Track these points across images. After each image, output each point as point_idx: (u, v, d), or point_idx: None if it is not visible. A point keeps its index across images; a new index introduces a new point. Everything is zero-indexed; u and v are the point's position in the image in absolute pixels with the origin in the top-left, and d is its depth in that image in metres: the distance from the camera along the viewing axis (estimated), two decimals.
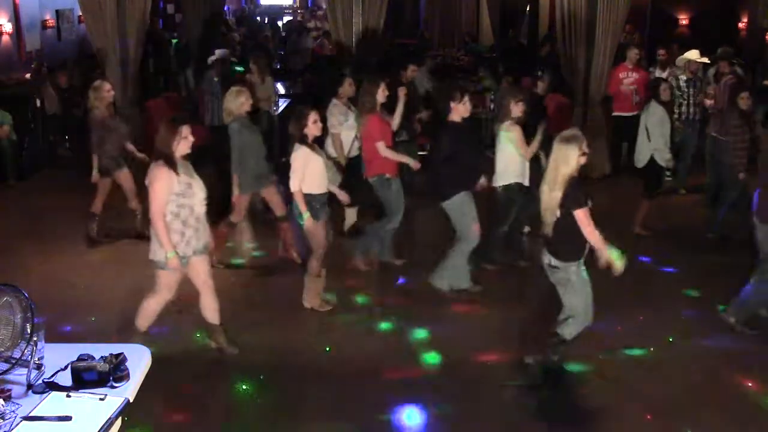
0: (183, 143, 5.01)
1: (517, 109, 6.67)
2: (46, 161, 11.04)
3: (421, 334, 5.98)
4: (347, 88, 7.70)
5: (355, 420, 4.85)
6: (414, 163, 7.09)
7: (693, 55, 9.44)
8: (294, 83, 14.04)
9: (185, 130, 5.02)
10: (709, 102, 9.24)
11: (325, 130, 6.86)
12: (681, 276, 7.08)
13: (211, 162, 10.14)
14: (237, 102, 6.83)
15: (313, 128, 5.94)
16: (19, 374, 3.32)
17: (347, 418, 4.86)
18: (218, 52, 10.23)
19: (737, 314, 5.89)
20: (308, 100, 11.11)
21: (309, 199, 5.97)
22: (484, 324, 6.14)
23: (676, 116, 9.14)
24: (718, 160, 8.70)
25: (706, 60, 9.70)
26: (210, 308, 5.44)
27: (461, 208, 6.35)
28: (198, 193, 5.13)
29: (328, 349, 5.73)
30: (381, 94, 6.87)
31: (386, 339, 5.92)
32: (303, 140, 5.95)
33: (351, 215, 7.93)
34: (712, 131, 8.76)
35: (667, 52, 10.17)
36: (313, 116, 5.94)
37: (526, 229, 7.57)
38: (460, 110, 6.37)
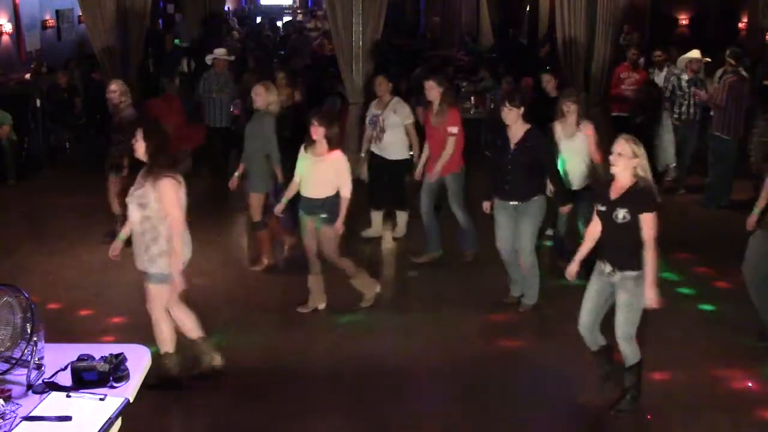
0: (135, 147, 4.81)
1: (573, 108, 6.62)
2: (46, 161, 11.05)
3: (424, 334, 5.99)
4: (377, 86, 7.73)
5: (356, 420, 4.85)
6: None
7: (694, 54, 9.44)
8: (294, 83, 14.02)
9: (137, 133, 4.77)
10: (702, 95, 9.22)
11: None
12: (680, 275, 7.08)
13: (210, 162, 10.21)
14: (273, 96, 6.99)
15: (311, 131, 5.93)
16: (19, 374, 3.32)
17: (348, 419, 4.86)
18: (216, 52, 10.18)
19: None
20: (308, 101, 11.12)
21: (300, 197, 6.07)
22: (487, 325, 6.15)
23: (676, 116, 9.15)
24: (719, 159, 8.72)
25: (707, 59, 9.71)
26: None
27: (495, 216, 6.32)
28: (130, 210, 4.85)
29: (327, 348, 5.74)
30: (429, 93, 6.92)
31: (388, 339, 5.91)
32: (306, 143, 6.00)
33: (376, 220, 8.03)
34: (714, 130, 8.77)
35: (664, 52, 10.19)
36: (312, 120, 5.92)
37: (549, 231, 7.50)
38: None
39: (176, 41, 15.72)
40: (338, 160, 5.91)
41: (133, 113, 7.78)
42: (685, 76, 9.33)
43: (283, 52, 18.03)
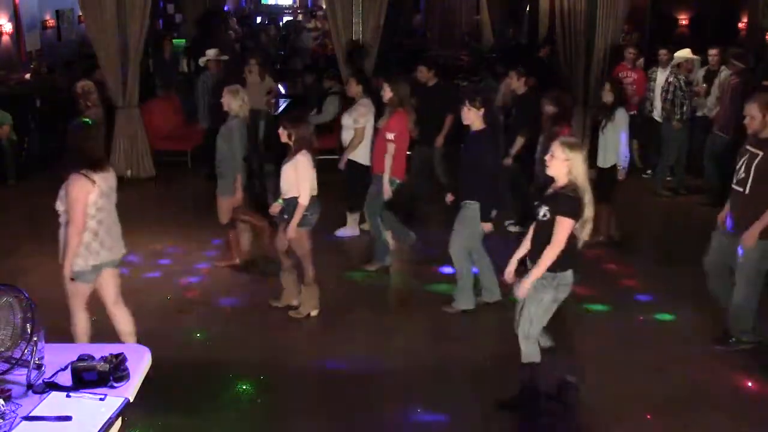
0: None
1: (548, 109, 6.78)
2: (46, 161, 11.04)
3: (422, 335, 5.99)
4: (347, 87, 7.80)
5: (355, 421, 4.85)
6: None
7: (687, 53, 9.48)
8: (294, 83, 14.04)
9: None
10: (700, 90, 9.33)
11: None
12: (681, 276, 7.08)
13: (208, 163, 10.20)
14: (237, 101, 6.85)
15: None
16: (19, 374, 3.32)
17: (347, 419, 4.86)
18: (208, 53, 10.18)
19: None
20: (308, 101, 11.13)
21: None
22: (483, 326, 6.15)
23: (677, 116, 9.17)
24: (720, 157, 8.74)
25: (697, 57, 9.81)
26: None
27: None
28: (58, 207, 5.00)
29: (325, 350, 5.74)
30: (383, 94, 6.92)
31: (388, 339, 5.91)
32: None
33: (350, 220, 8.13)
34: (715, 129, 8.78)
35: (668, 51, 10.22)
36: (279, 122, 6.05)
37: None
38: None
39: (180, 41, 15.72)
40: (298, 162, 5.85)
41: (96, 113, 7.84)
42: (682, 76, 9.35)
43: (283, 52, 18.06)
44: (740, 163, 5.47)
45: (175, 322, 6.16)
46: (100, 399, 3.20)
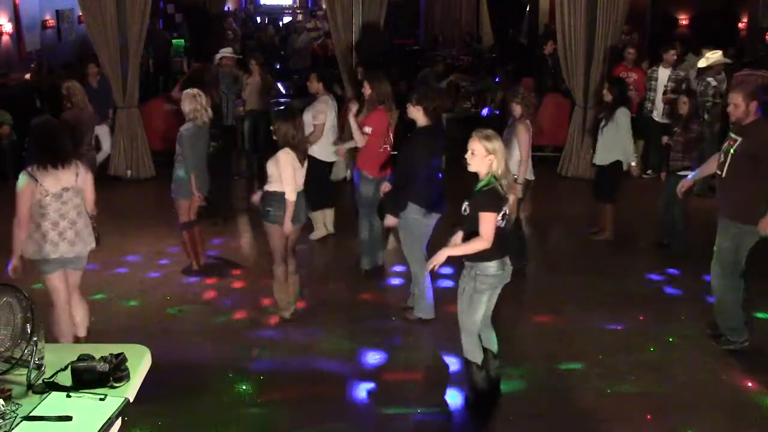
0: None
1: (516, 109, 6.64)
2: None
3: (421, 334, 5.99)
4: (308, 83, 7.87)
5: (354, 421, 4.86)
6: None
7: (719, 56, 9.49)
8: (294, 83, 14.05)
9: None
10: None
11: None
12: (682, 276, 7.08)
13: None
14: (195, 106, 6.85)
15: None
16: (19, 374, 3.32)
17: (347, 420, 4.87)
18: (223, 51, 10.28)
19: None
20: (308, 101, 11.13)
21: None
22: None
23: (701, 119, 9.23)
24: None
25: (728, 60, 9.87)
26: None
27: None
28: None
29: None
30: (364, 91, 6.91)
31: (390, 341, 5.92)
32: None
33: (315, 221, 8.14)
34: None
35: (677, 51, 10.23)
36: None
37: None
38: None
39: (180, 41, 15.73)
40: (278, 159, 5.83)
41: (76, 115, 7.91)
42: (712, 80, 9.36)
43: (283, 52, 18.07)
44: (722, 149, 5.56)
45: (175, 322, 6.16)
46: (100, 399, 3.20)
